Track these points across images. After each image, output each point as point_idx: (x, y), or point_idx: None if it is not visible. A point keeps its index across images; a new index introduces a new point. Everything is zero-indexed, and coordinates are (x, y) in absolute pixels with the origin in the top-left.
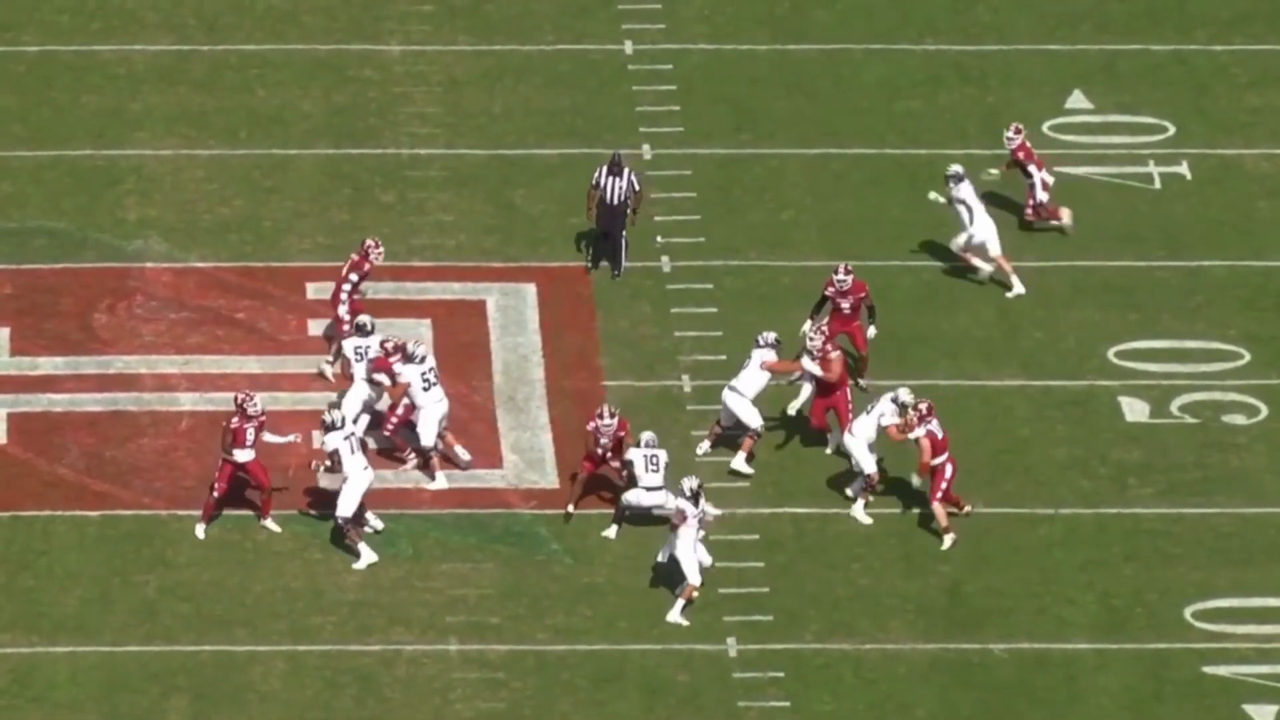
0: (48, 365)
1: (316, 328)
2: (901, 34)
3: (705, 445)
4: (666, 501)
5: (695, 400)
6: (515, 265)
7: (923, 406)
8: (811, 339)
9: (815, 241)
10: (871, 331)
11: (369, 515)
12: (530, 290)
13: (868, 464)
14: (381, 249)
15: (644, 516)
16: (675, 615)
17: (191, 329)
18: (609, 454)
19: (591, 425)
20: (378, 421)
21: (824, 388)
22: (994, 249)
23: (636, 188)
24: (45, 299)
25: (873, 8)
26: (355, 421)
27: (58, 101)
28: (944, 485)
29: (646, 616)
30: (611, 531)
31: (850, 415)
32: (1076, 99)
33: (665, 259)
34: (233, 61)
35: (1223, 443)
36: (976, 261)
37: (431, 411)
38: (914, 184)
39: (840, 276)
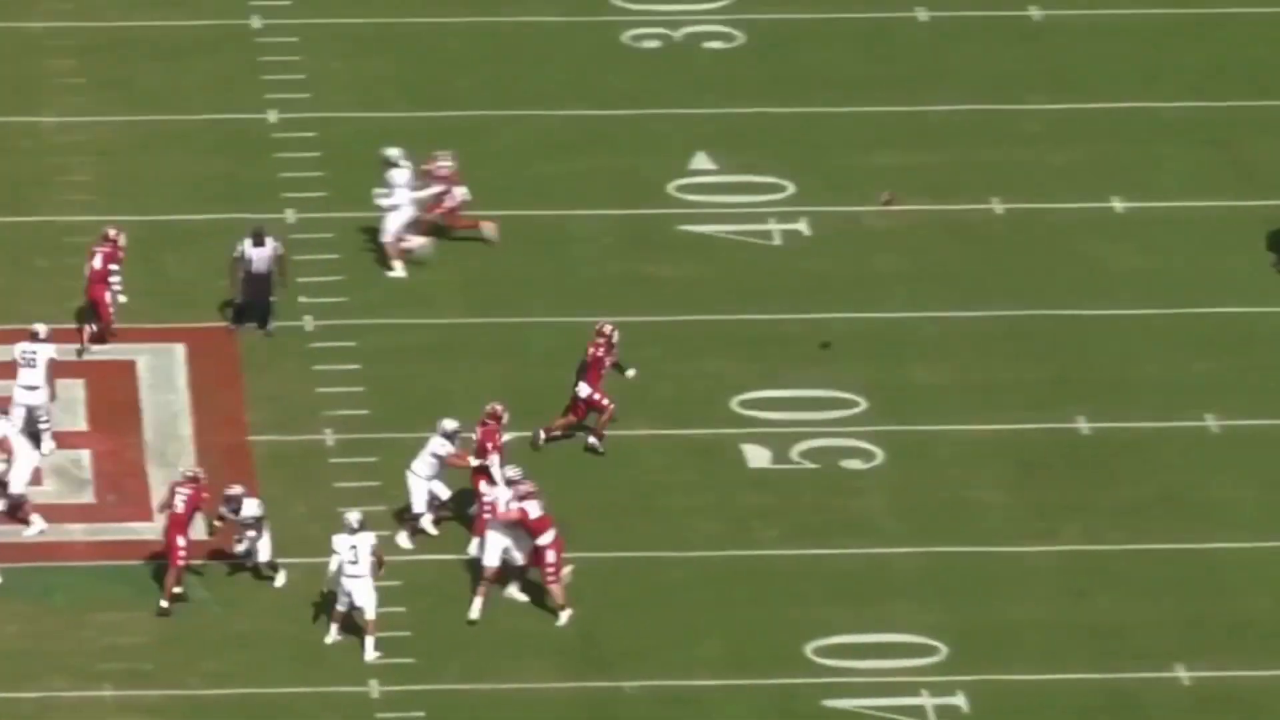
0: None
1: None
2: (536, 101)
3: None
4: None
5: (338, 454)
6: (165, 326)
7: (523, 488)
8: (509, 474)
9: (454, 299)
10: (630, 373)
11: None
12: (180, 350)
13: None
14: (124, 236)
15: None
16: (370, 655)
17: None
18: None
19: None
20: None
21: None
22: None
23: (279, 253)
24: None
25: (509, 77)
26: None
27: None
28: (549, 568)
29: (293, 660)
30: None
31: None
32: (700, 160)
33: (309, 318)
34: None
35: (841, 487)
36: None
37: (26, 459)
38: (549, 243)
39: (606, 333)
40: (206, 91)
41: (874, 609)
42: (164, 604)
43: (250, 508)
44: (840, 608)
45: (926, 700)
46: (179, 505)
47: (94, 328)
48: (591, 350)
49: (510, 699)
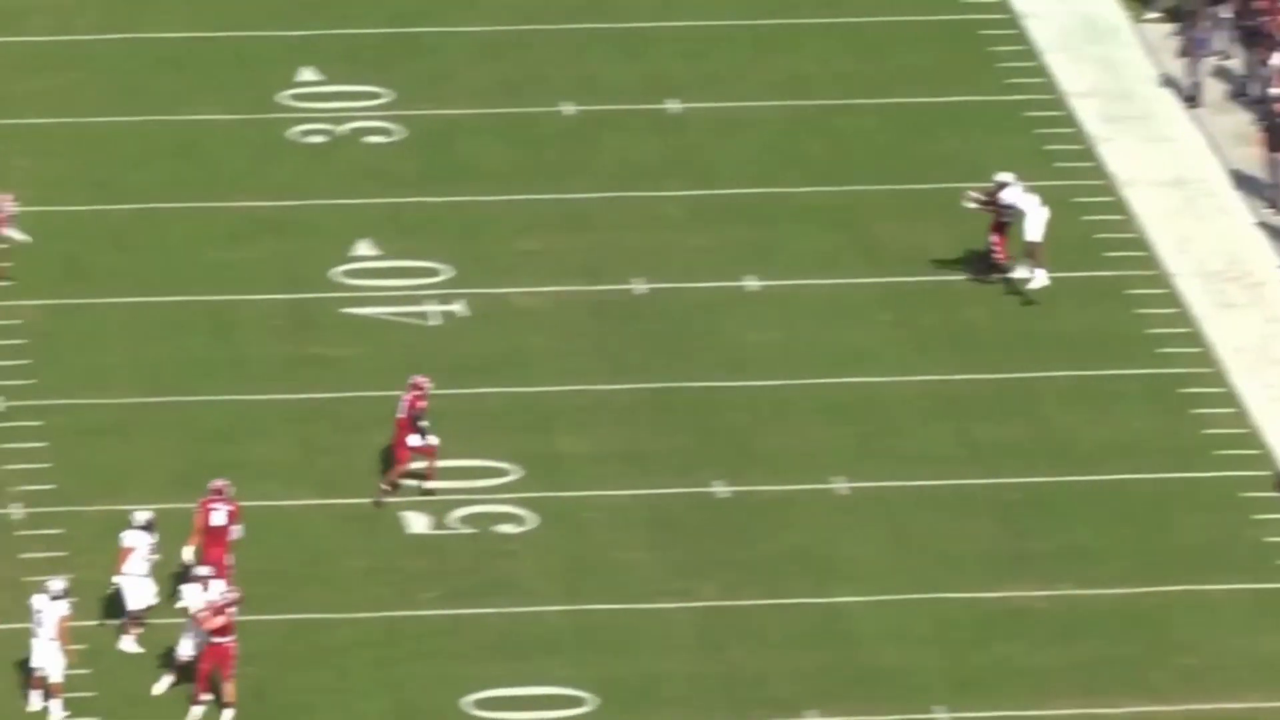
0: None
1: None
2: (209, 193)
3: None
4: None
5: (25, 526)
6: None
7: (230, 595)
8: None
9: (132, 380)
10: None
11: None
12: None
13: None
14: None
15: None
16: (55, 716)
17: None
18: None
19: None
20: None
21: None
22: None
23: None
24: None
25: (181, 171)
26: None
27: None
28: (232, 664)
29: None
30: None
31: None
32: (363, 246)
33: (1, 400)
34: None
35: (497, 550)
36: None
37: None
38: (220, 327)
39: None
40: None
41: (529, 663)
42: None
43: None
44: (497, 663)
45: None
46: None
47: None
48: (409, 401)
49: None
